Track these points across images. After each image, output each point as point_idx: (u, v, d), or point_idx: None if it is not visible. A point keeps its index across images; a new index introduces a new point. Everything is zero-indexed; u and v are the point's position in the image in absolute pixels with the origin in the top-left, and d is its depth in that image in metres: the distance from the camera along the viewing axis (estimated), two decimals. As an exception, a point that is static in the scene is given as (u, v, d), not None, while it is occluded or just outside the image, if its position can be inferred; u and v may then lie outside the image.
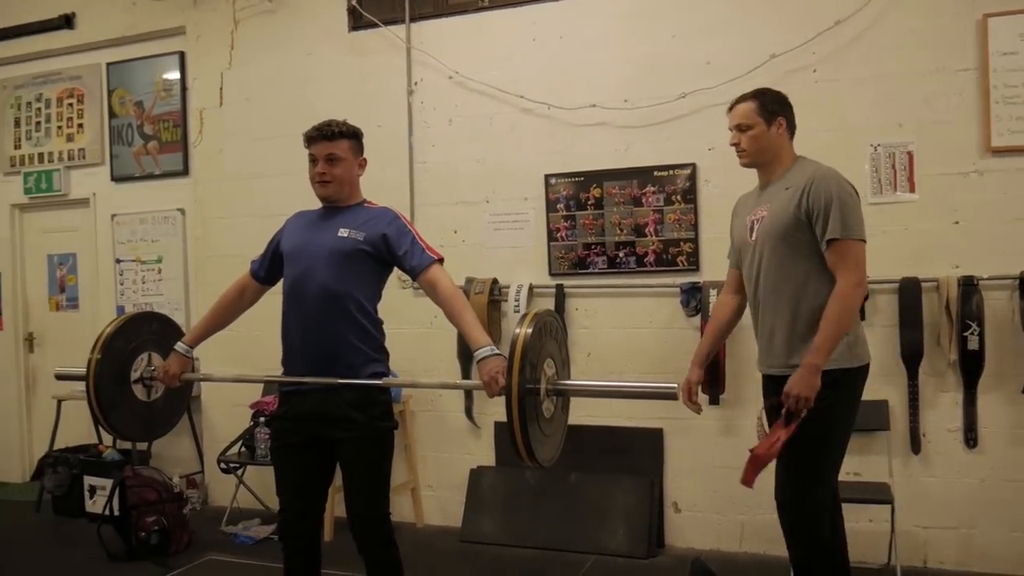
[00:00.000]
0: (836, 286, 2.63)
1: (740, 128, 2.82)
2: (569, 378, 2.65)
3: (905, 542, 3.83)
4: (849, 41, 3.98)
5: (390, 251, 2.73)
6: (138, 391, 2.96)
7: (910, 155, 3.90)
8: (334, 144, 2.76)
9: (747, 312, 3.01)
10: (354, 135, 2.84)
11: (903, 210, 3.91)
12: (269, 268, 2.93)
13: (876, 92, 3.95)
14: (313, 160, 2.78)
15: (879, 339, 3.93)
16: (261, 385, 4.94)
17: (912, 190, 3.91)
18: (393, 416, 2.83)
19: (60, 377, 3.19)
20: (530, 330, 2.32)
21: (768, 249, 2.75)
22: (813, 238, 2.68)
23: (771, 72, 4.02)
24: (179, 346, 2.93)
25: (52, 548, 4.69)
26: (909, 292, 3.84)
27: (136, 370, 2.95)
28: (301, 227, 2.87)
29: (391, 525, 2.78)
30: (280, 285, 2.90)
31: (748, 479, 2.69)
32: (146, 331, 3.01)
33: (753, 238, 2.81)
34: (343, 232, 2.73)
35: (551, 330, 2.48)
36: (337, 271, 2.70)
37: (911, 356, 3.86)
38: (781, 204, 2.73)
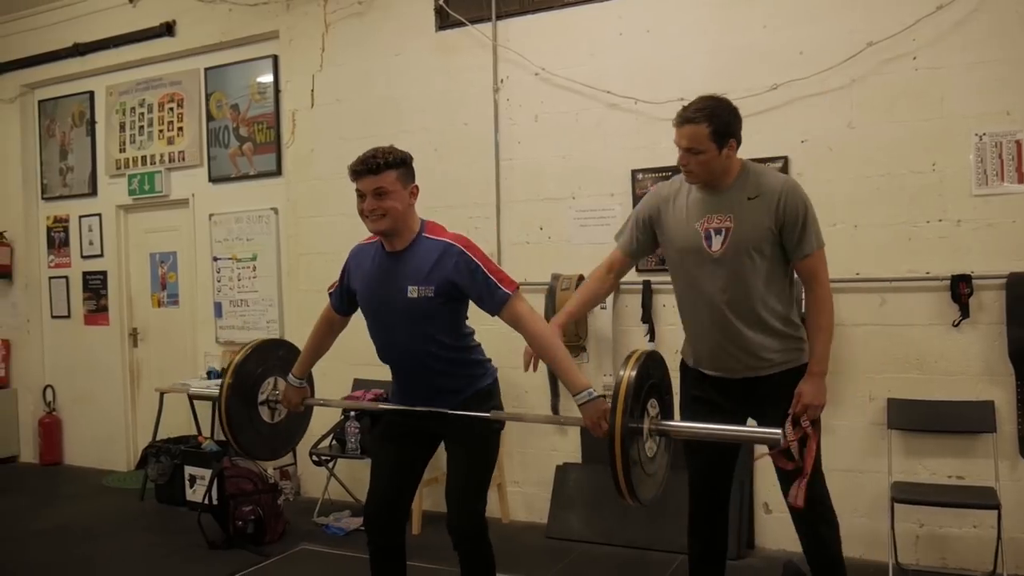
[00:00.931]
0: (816, 294, 2.73)
1: (690, 151, 2.68)
2: (672, 417, 2.63)
3: (1012, 549, 3.66)
4: (952, 27, 3.82)
5: (464, 295, 2.67)
6: (264, 413, 3.08)
7: (1019, 144, 3.72)
8: (380, 177, 2.58)
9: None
10: (402, 162, 2.65)
11: (1011, 202, 3.73)
12: (349, 302, 2.92)
13: (981, 79, 3.78)
14: (361, 195, 2.62)
15: (983, 337, 3.77)
16: (351, 381, 5.06)
17: (1021, 181, 3.73)
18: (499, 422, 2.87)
19: (194, 397, 3.38)
20: (634, 372, 2.33)
21: (738, 262, 2.70)
22: (780, 248, 2.71)
23: (868, 61, 3.90)
24: (291, 379, 3.00)
25: (155, 534, 4.89)
26: (1018, 287, 3.66)
27: (263, 392, 3.06)
28: (368, 275, 2.76)
29: (486, 522, 2.80)
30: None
31: (801, 500, 2.69)
32: (273, 357, 3.12)
33: (715, 249, 2.71)
34: (412, 292, 2.63)
35: (654, 370, 2.48)
36: (416, 333, 2.68)
37: (1020, 354, 3.68)
38: (752, 216, 2.69)
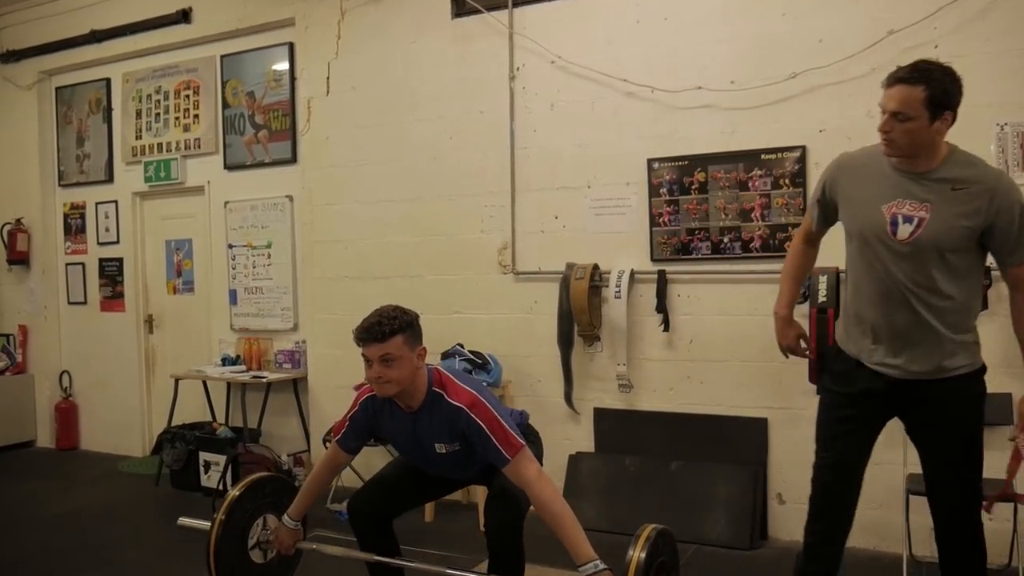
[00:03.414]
0: None
1: (896, 116, 2.37)
2: None
3: (1029, 543, 3.64)
4: (974, 15, 3.78)
5: (475, 446, 2.69)
6: (255, 556, 2.98)
7: (1040, 134, 3.67)
8: (386, 344, 2.56)
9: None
10: (408, 326, 2.62)
11: (1032, 193, 3.69)
12: (362, 442, 2.95)
13: (1003, 68, 3.74)
14: (368, 362, 2.60)
15: (1001, 328, 3.70)
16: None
17: (1042, 171, 3.68)
18: (539, 447, 2.95)
19: (183, 526, 3.23)
20: (643, 554, 2.35)
21: (927, 258, 2.44)
22: (978, 247, 2.47)
23: (889, 49, 3.86)
24: (286, 520, 2.94)
25: (169, 519, 4.88)
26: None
27: (253, 536, 2.96)
28: (396, 431, 2.81)
29: (521, 525, 2.83)
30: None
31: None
32: (261, 495, 3.01)
33: (902, 238, 2.45)
34: (440, 448, 2.73)
35: (663, 548, 2.47)
36: (457, 469, 2.85)
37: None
38: (951, 210, 2.41)
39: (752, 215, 4.23)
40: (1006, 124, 3.73)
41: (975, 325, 2.57)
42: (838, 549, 2.80)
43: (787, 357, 2.99)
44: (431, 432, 2.72)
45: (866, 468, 2.76)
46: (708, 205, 4.33)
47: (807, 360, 4.03)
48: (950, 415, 2.56)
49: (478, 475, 2.91)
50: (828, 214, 2.74)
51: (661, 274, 4.42)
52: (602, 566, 2.43)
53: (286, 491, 3.09)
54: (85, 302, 6.74)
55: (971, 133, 3.74)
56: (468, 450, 2.70)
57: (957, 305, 2.50)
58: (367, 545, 2.92)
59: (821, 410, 2.81)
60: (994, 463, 3.78)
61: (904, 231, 2.45)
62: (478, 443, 2.64)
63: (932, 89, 2.34)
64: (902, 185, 2.47)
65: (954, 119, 2.42)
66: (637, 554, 2.33)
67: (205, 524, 2.90)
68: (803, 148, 4.11)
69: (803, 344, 2.91)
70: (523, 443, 2.63)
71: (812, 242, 2.88)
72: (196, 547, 4.27)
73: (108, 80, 6.54)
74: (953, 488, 2.60)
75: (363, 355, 2.61)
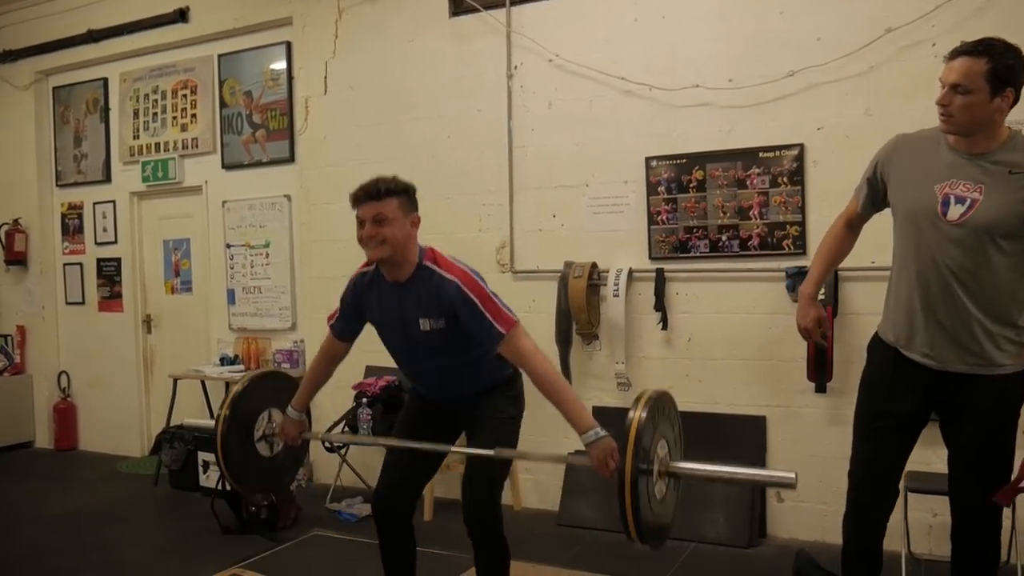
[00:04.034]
0: None
1: (956, 89, 2.33)
2: (682, 457, 2.59)
3: (1028, 541, 3.64)
4: (971, 13, 3.78)
5: (464, 326, 2.64)
6: (262, 448, 3.03)
7: (1038, 132, 3.67)
8: (381, 204, 2.58)
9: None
10: (404, 191, 2.65)
11: (1029, 190, 3.69)
12: (353, 331, 2.92)
13: (1000, 66, 3.73)
14: (361, 222, 2.61)
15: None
16: (363, 367, 5.06)
17: (1040, 169, 3.67)
18: (520, 404, 2.90)
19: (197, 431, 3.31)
20: (644, 414, 2.30)
21: (977, 241, 2.37)
22: None
23: (887, 47, 3.86)
24: (290, 411, 2.97)
25: (168, 520, 4.92)
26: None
27: (259, 428, 3.01)
28: (381, 307, 2.77)
29: (502, 511, 2.80)
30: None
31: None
32: (266, 389, 3.08)
33: (952, 218, 2.38)
34: (424, 325, 2.65)
35: (664, 411, 2.45)
36: (438, 358, 2.73)
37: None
38: (1007, 194, 2.34)
39: (750, 213, 4.23)
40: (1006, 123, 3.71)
41: (1022, 327, 2.46)
42: (875, 544, 2.75)
43: (806, 340, 2.87)
44: (417, 306, 2.65)
45: (903, 467, 2.70)
46: (706, 203, 4.33)
47: (806, 358, 4.06)
48: (983, 416, 2.48)
49: (467, 390, 2.81)
50: (877, 195, 2.65)
51: (659, 272, 4.42)
52: (602, 433, 2.45)
53: (288, 387, 3.11)
54: (83, 302, 6.73)
55: (969, 131, 3.76)
56: (453, 331, 2.63)
57: (1004, 298, 2.41)
58: (391, 544, 2.89)
59: (858, 403, 2.75)
60: None
61: (955, 212, 2.38)
62: (469, 319, 2.58)
63: (995, 63, 2.30)
64: (957, 165, 2.41)
65: (1016, 98, 2.37)
66: (638, 414, 2.28)
67: (210, 422, 2.96)
68: (801, 146, 4.11)
69: (821, 329, 2.78)
70: (517, 319, 2.61)
71: (853, 226, 2.77)
72: (195, 548, 4.30)
73: (105, 80, 6.53)
74: (975, 490, 2.54)
75: (357, 217, 2.62)
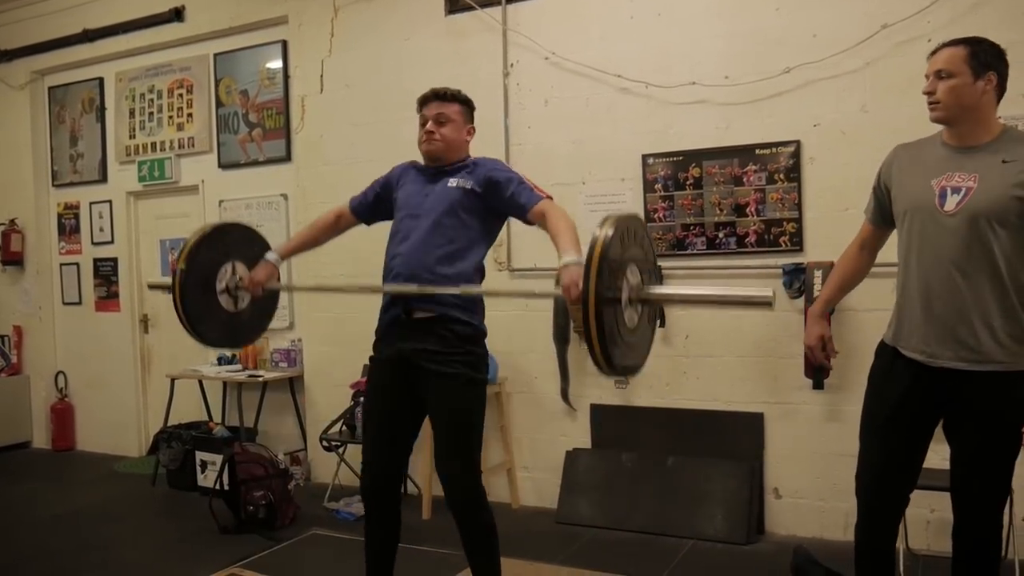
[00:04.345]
0: None
1: (939, 75, 2.42)
2: (657, 283, 2.43)
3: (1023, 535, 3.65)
4: (968, 8, 3.78)
5: (498, 194, 2.76)
6: (224, 301, 2.94)
7: (1034, 127, 3.67)
8: (446, 105, 2.84)
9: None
10: (467, 102, 2.91)
11: (1026, 186, 3.69)
12: (371, 210, 3.04)
13: (996, 61, 3.73)
14: (424, 120, 2.84)
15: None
16: (361, 366, 5.05)
17: (1036, 164, 3.68)
18: (486, 370, 2.85)
19: (151, 287, 3.25)
20: (610, 231, 2.13)
21: (973, 228, 2.38)
22: None
23: (883, 43, 3.86)
24: (269, 255, 2.99)
25: (167, 519, 4.92)
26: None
27: (221, 280, 2.93)
28: (413, 181, 2.91)
29: (482, 487, 2.78)
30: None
31: None
32: (226, 241, 2.97)
33: (949, 209, 2.41)
34: (453, 183, 2.79)
35: (634, 235, 2.28)
36: (447, 212, 2.77)
37: None
38: (1000, 179, 2.36)
39: (747, 210, 4.23)
40: (1000, 117, 3.69)
41: None
42: (886, 548, 2.73)
43: (813, 359, 2.88)
44: (452, 174, 2.82)
45: (918, 468, 2.66)
46: (703, 200, 4.33)
47: (803, 355, 4.06)
48: (983, 416, 2.46)
49: (443, 280, 2.74)
50: (883, 206, 2.67)
51: (657, 270, 4.41)
52: (581, 259, 2.30)
53: (254, 241, 3.02)
54: (80, 302, 6.72)
55: (965, 127, 3.76)
56: (477, 197, 2.76)
57: (1004, 291, 2.40)
58: (379, 516, 2.87)
59: (863, 406, 2.75)
60: None
61: (952, 202, 2.41)
62: (507, 184, 2.74)
63: (974, 47, 2.42)
64: (952, 159, 2.46)
65: (1000, 86, 2.44)
66: (603, 232, 2.12)
67: (168, 280, 2.90)
68: (797, 143, 4.11)
69: (824, 347, 2.80)
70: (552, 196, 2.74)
71: (867, 247, 2.77)
72: (193, 547, 4.30)
73: (101, 79, 6.52)
74: (980, 489, 2.53)
75: (421, 115, 2.86)
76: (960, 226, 2.40)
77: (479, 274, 2.85)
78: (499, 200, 2.77)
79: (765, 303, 2.23)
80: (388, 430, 2.86)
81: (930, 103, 2.47)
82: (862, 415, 2.76)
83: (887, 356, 2.63)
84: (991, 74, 2.41)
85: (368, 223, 3.10)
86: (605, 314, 2.11)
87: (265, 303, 3.12)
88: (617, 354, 2.17)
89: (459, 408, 2.75)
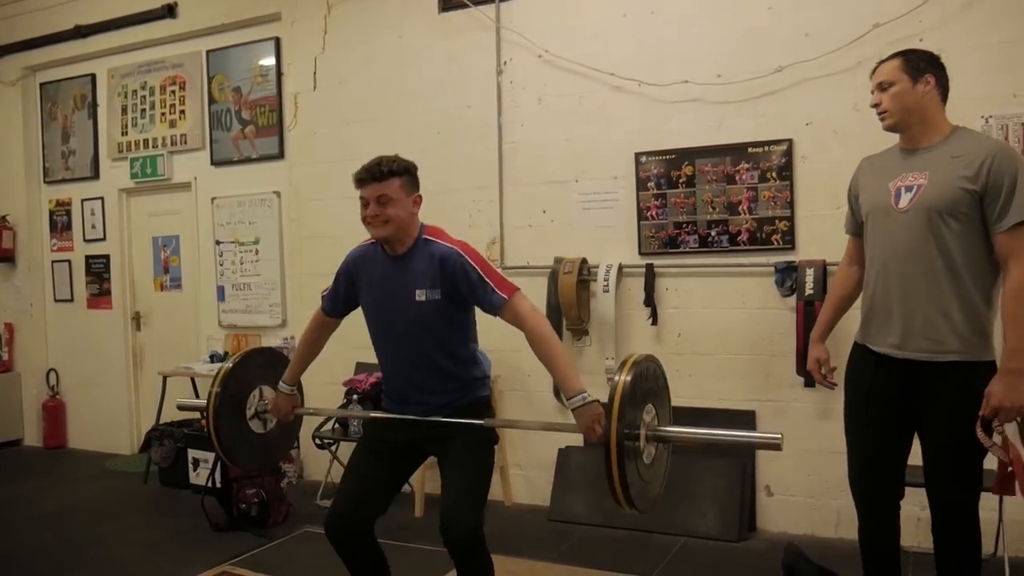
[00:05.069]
0: (1013, 278, 2.41)
1: (882, 87, 2.60)
2: (670, 422, 2.59)
3: (1014, 532, 3.66)
4: (959, 8, 3.79)
5: (461, 293, 2.66)
6: (255, 425, 3.04)
7: (1024, 127, 3.70)
8: (385, 184, 2.62)
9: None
10: (406, 171, 2.69)
11: (1016, 185, 3.71)
12: (344, 307, 2.93)
13: (988, 61, 3.75)
14: (365, 203, 2.65)
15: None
16: (354, 364, 5.06)
17: (1026, 163, 3.70)
18: (495, 434, 2.83)
19: (181, 408, 3.39)
20: (629, 377, 2.31)
21: (925, 221, 2.48)
22: (981, 217, 2.45)
23: (875, 42, 3.87)
24: (282, 387, 2.97)
25: (159, 517, 4.91)
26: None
27: (251, 406, 3.02)
28: (375, 282, 2.77)
29: (483, 535, 2.67)
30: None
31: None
32: (254, 366, 3.08)
33: (903, 206, 2.54)
34: (420, 296, 2.66)
35: (651, 375, 2.46)
36: (423, 339, 2.69)
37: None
38: (948, 174, 2.47)
39: (739, 208, 4.24)
40: (991, 117, 3.74)
41: (986, 316, 2.51)
42: (889, 549, 2.79)
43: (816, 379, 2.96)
44: (414, 277, 2.67)
45: (902, 463, 2.72)
46: (695, 199, 4.34)
47: (795, 352, 4.08)
48: (945, 406, 2.52)
49: (439, 395, 2.73)
50: (856, 215, 2.79)
51: (649, 268, 4.43)
52: (590, 398, 2.47)
53: (278, 363, 3.11)
54: (72, 299, 6.70)
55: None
56: (447, 302, 2.65)
57: (961, 282, 2.48)
58: (353, 559, 2.81)
59: (844, 407, 2.83)
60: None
61: (905, 200, 2.55)
62: (470, 285, 2.61)
63: (907, 56, 2.61)
64: (906, 161, 2.61)
65: (940, 86, 2.59)
66: (623, 378, 2.30)
67: (202, 402, 2.97)
68: (790, 141, 4.12)
69: (822, 369, 2.89)
70: (518, 288, 2.65)
71: (854, 260, 2.85)
72: (185, 545, 4.29)
73: (93, 76, 6.50)
74: (948, 482, 2.58)
75: (361, 197, 2.66)
76: (913, 221, 2.51)
77: (473, 352, 2.80)
78: (464, 296, 2.67)
79: (774, 446, 2.38)
80: (370, 486, 2.77)
81: (879, 114, 2.64)
82: (844, 417, 2.82)
83: (858, 354, 2.74)
84: (928, 76, 2.57)
85: (345, 316, 2.98)
86: (626, 455, 2.27)
87: (290, 426, 3.20)
88: (636, 490, 2.33)
89: (472, 462, 2.72)
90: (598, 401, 2.46)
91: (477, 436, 2.72)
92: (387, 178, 2.63)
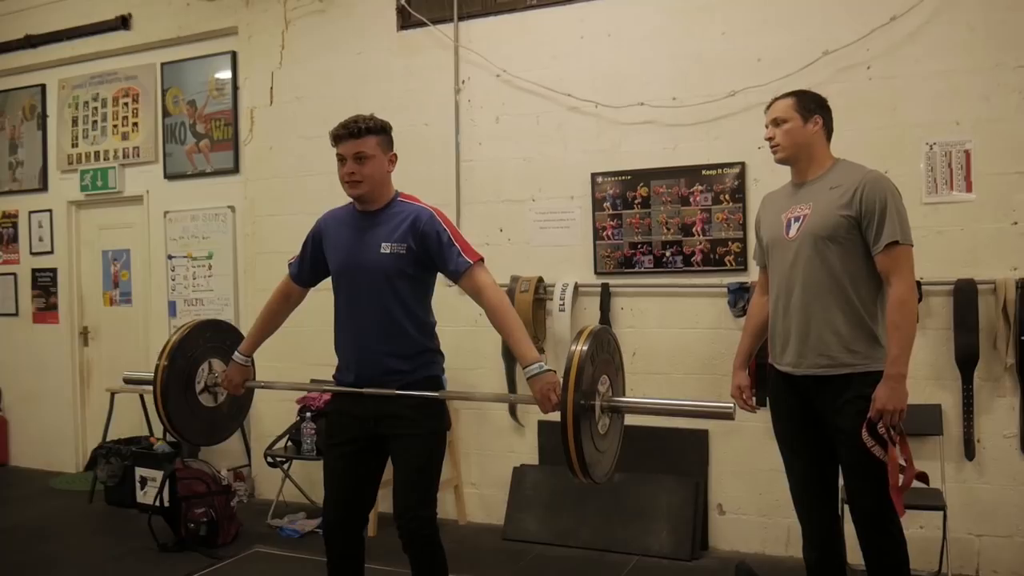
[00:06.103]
0: (894, 292, 2.59)
1: (776, 122, 2.81)
2: (624, 394, 2.66)
3: (957, 550, 3.75)
4: (905, 37, 3.91)
5: (430, 257, 2.69)
6: (204, 399, 2.99)
7: (967, 154, 3.81)
8: (362, 142, 2.66)
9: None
10: (382, 130, 2.73)
11: (959, 210, 3.83)
12: (311, 272, 2.90)
13: (932, 89, 3.87)
14: (341, 160, 2.69)
15: (932, 342, 3.85)
16: (308, 381, 5.00)
17: (969, 190, 3.82)
18: (447, 417, 2.85)
19: (128, 381, 3.27)
20: (585, 347, 2.35)
21: (811, 247, 2.69)
22: (860, 240, 2.65)
23: (824, 69, 3.97)
24: (237, 356, 2.94)
25: (104, 537, 4.79)
26: (964, 294, 3.75)
27: (200, 380, 2.97)
28: (342, 238, 2.79)
29: (437, 525, 2.75)
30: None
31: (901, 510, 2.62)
32: (203, 339, 3.01)
33: (791, 235, 2.75)
34: (385, 248, 2.68)
35: (606, 346, 2.49)
36: (384, 292, 2.69)
37: (965, 360, 3.77)
38: (828, 203, 2.68)
39: (693, 230, 4.30)
40: (935, 143, 3.86)
41: (873, 328, 2.66)
42: (834, 566, 2.89)
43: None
44: (382, 231, 2.70)
45: (833, 478, 2.84)
46: (651, 219, 4.39)
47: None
48: (848, 417, 2.64)
49: (393, 360, 2.71)
50: (763, 248, 2.97)
51: (605, 287, 4.46)
52: (546, 367, 2.51)
53: (229, 334, 3.06)
54: (16, 313, 6.54)
55: (901, 152, 3.90)
56: (411, 258, 2.67)
57: (848, 301, 2.65)
58: (340, 565, 2.82)
59: (772, 427, 2.97)
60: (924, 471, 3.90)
61: (794, 229, 2.76)
62: (439, 245, 2.65)
63: (799, 96, 2.83)
64: (795, 194, 2.83)
65: (826, 127, 2.82)
66: (579, 347, 2.35)
67: (149, 374, 2.90)
68: (742, 164, 4.20)
69: (743, 395, 3.06)
70: (482, 256, 2.68)
71: (763, 289, 3.02)
72: (132, 567, 4.20)
73: (43, 86, 6.38)
74: (859, 494, 2.69)
75: (338, 154, 2.69)
76: (801, 248, 2.72)
77: (430, 322, 2.81)
78: (429, 255, 2.69)
79: (726, 415, 2.44)
80: (354, 474, 2.80)
81: (772, 147, 2.84)
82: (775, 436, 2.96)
83: (772, 375, 2.89)
84: (816, 116, 2.78)
85: (312, 285, 2.96)
86: (581, 424, 2.31)
87: (242, 398, 3.14)
88: (592, 461, 2.37)
89: (422, 452, 2.72)
90: (553, 371, 2.48)
91: (429, 425, 2.72)
92: (364, 135, 2.67)
